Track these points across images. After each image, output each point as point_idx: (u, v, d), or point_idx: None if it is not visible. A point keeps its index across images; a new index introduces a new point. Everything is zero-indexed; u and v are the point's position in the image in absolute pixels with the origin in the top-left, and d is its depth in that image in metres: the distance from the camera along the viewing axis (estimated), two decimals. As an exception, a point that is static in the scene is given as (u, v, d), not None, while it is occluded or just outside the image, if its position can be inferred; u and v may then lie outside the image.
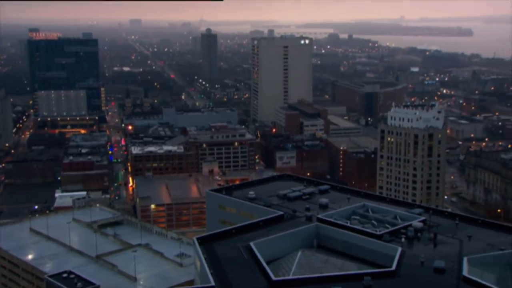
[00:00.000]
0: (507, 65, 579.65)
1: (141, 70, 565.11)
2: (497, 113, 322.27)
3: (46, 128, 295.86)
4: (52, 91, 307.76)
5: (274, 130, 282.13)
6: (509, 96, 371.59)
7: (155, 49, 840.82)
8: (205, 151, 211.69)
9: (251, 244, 56.23)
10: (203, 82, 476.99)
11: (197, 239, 58.31)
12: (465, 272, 49.52)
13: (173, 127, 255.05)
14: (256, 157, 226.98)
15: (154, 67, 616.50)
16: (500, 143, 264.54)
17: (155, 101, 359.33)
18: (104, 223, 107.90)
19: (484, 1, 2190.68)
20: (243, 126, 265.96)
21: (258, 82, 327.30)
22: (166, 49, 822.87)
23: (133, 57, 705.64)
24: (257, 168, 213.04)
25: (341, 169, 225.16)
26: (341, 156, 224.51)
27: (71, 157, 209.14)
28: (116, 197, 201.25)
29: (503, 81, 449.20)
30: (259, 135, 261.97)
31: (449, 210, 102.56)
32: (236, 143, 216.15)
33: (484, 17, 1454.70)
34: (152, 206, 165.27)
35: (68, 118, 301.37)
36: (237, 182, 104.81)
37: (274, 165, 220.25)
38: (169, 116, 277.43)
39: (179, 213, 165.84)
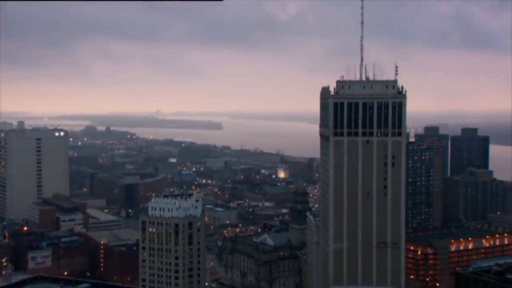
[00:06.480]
0: (252, 156, 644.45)
1: None
2: (247, 200, 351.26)
3: None
4: None
5: (25, 228, 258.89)
6: (256, 184, 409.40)
7: None
8: None
9: None
10: None
11: None
12: None
13: None
14: (3, 260, 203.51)
15: None
16: (251, 227, 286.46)
17: None
18: None
19: (230, 99, 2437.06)
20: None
21: (7, 177, 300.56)
22: None
23: None
24: (4, 272, 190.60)
25: (102, 264, 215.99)
26: (102, 251, 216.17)
27: None
28: None
29: (250, 170, 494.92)
30: (7, 235, 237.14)
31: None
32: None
33: (229, 113, 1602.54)
34: None
35: None
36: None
37: (26, 267, 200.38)
38: None
39: None
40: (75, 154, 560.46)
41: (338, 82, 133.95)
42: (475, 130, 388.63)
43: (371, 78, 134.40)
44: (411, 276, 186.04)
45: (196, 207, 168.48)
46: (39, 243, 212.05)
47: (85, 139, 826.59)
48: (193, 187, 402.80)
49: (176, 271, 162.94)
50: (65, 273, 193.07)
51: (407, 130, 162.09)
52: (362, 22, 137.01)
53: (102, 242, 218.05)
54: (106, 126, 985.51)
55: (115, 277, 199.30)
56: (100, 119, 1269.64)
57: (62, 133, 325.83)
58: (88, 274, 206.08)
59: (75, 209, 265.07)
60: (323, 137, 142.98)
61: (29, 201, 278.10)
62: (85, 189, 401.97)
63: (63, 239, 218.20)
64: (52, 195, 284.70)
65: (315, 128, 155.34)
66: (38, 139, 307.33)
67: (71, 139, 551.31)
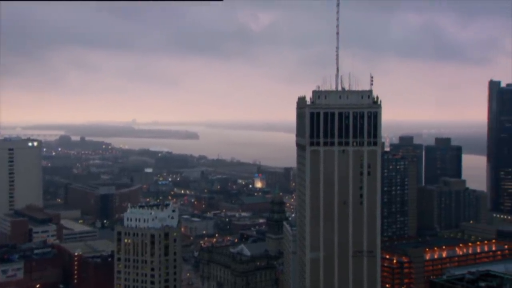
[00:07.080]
0: (229, 166, 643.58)
1: None
2: (224, 210, 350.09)
3: None
4: None
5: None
6: (232, 194, 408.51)
7: None
8: None
9: None
10: None
11: None
12: None
13: None
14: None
15: None
16: (228, 238, 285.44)
17: None
18: None
19: (206, 108, 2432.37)
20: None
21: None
22: None
23: None
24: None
25: (76, 276, 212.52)
26: (76, 262, 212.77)
27: None
28: None
29: (227, 180, 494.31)
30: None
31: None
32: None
33: (206, 123, 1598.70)
34: None
35: None
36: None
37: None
38: None
39: None
40: (49, 164, 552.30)
41: (314, 92, 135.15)
42: (448, 140, 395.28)
43: (346, 88, 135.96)
44: (387, 285, 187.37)
45: (172, 218, 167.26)
46: (11, 255, 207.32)
47: (59, 149, 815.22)
48: (170, 197, 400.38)
49: (152, 282, 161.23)
50: (38, 286, 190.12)
51: (382, 140, 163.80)
52: (337, 33, 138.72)
53: (76, 253, 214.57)
54: (81, 136, 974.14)
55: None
56: (74, 129, 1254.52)
57: (35, 143, 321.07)
58: (61, 286, 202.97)
59: (48, 220, 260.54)
60: (300, 146, 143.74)
61: (0, 213, 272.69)
62: (59, 200, 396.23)
63: (35, 251, 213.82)
64: (25, 206, 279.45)
65: (292, 138, 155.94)
66: (10, 149, 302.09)
67: (44, 149, 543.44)
